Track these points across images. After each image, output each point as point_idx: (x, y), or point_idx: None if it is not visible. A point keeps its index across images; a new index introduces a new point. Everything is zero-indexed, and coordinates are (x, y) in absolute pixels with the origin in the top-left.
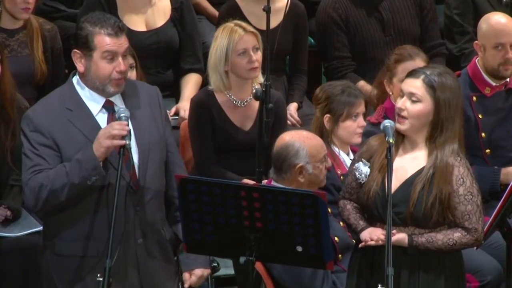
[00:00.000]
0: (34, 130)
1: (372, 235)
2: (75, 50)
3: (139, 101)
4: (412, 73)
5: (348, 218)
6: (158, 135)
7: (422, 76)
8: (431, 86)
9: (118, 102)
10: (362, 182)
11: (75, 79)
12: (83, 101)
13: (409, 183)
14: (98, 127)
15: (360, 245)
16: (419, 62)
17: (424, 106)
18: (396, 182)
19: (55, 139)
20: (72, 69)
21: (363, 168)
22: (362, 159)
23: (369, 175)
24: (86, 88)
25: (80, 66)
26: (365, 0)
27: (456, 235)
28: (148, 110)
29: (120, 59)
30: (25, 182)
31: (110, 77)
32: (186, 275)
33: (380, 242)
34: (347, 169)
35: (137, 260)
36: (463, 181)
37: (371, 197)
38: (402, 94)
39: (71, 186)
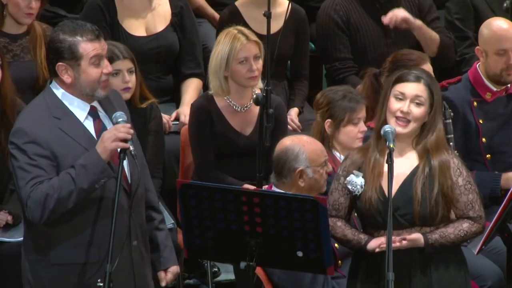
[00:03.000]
0: (30, 141)
1: (383, 240)
2: (60, 63)
3: (112, 104)
4: (409, 77)
5: (344, 235)
6: (135, 137)
7: (423, 80)
8: (430, 90)
9: (99, 107)
10: (358, 193)
11: (58, 90)
12: (69, 109)
13: (407, 183)
14: (88, 134)
15: (377, 250)
16: (429, 64)
17: (425, 109)
18: (394, 185)
19: (52, 149)
20: None
21: (357, 180)
22: (354, 171)
23: (364, 185)
24: (72, 97)
25: (67, 77)
26: (366, 3)
27: (465, 225)
28: (115, 109)
29: (105, 61)
30: (26, 196)
31: (100, 80)
32: (161, 274)
33: (398, 244)
34: None
35: (132, 262)
36: (460, 171)
37: (374, 204)
38: (402, 96)
39: (80, 192)
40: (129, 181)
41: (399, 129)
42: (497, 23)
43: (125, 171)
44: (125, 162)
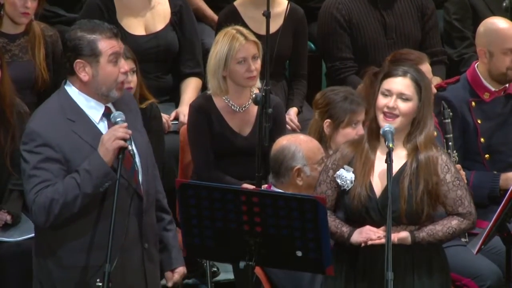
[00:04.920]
0: (43, 144)
1: (370, 234)
2: (78, 60)
3: (126, 107)
4: (396, 72)
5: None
6: (146, 140)
7: (409, 75)
8: (418, 84)
9: (113, 109)
10: (348, 188)
11: (72, 90)
12: (83, 111)
13: (395, 181)
14: (100, 137)
15: (362, 245)
16: (428, 64)
17: (413, 104)
18: (383, 182)
19: (64, 152)
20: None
21: (347, 175)
22: (345, 166)
23: (354, 181)
24: (87, 97)
25: (84, 75)
26: (368, 3)
27: (454, 222)
28: (133, 115)
29: (122, 60)
30: (31, 200)
31: (117, 80)
32: (169, 274)
33: (383, 240)
34: None
35: (143, 265)
36: (448, 168)
37: (362, 201)
38: (388, 93)
39: (84, 196)
40: (141, 184)
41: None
42: (500, 23)
43: (137, 175)
44: (139, 165)
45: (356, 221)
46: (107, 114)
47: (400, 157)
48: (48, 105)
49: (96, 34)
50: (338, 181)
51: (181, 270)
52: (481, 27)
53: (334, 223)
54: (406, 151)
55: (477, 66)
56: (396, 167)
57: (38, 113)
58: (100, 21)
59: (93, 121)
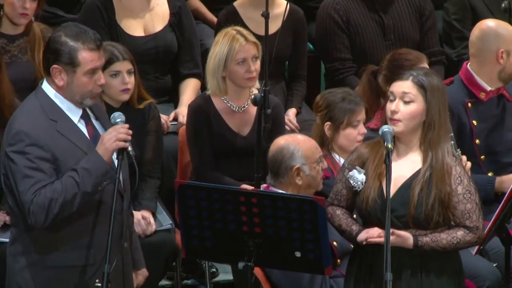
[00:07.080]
0: (32, 144)
1: (374, 234)
2: (55, 65)
3: (99, 109)
4: (401, 76)
5: (339, 225)
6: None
7: (411, 77)
8: (421, 86)
9: (89, 110)
10: (359, 189)
11: (50, 90)
12: (64, 112)
13: (406, 186)
14: (84, 137)
15: (364, 243)
16: (426, 64)
17: (417, 106)
18: (393, 186)
19: (53, 151)
20: None
21: (359, 176)
22: (357, 167)
23: (365, 182)
24: (63, 99)
25: (59, 80)
26: (366, 4)
27: (459, 233)
28: (105, 117)
29: (100, 72)
30: (28, 200)
31: (92, 91)
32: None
33: (383, 239)
34: None
35: (123, 264)
36: (460, 180)
37: (370, 203)
38: (393, 97)
39: (83, 195)
40: (122, 183)
41: (393, 128)
42: (503, 23)
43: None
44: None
45: (366, 222)
46: (84, 116)
47: (414, 161)
48: (29, 106)
49: (79, 42)
50: (351, 181)
51: (144, 271)
52: (490, 30)
53: (346, 221)
54: (421, 155)
55: (469, 66)
56: (409, 172)
57: (20, 114)
58: (86, 28)
59: (74, 122)
